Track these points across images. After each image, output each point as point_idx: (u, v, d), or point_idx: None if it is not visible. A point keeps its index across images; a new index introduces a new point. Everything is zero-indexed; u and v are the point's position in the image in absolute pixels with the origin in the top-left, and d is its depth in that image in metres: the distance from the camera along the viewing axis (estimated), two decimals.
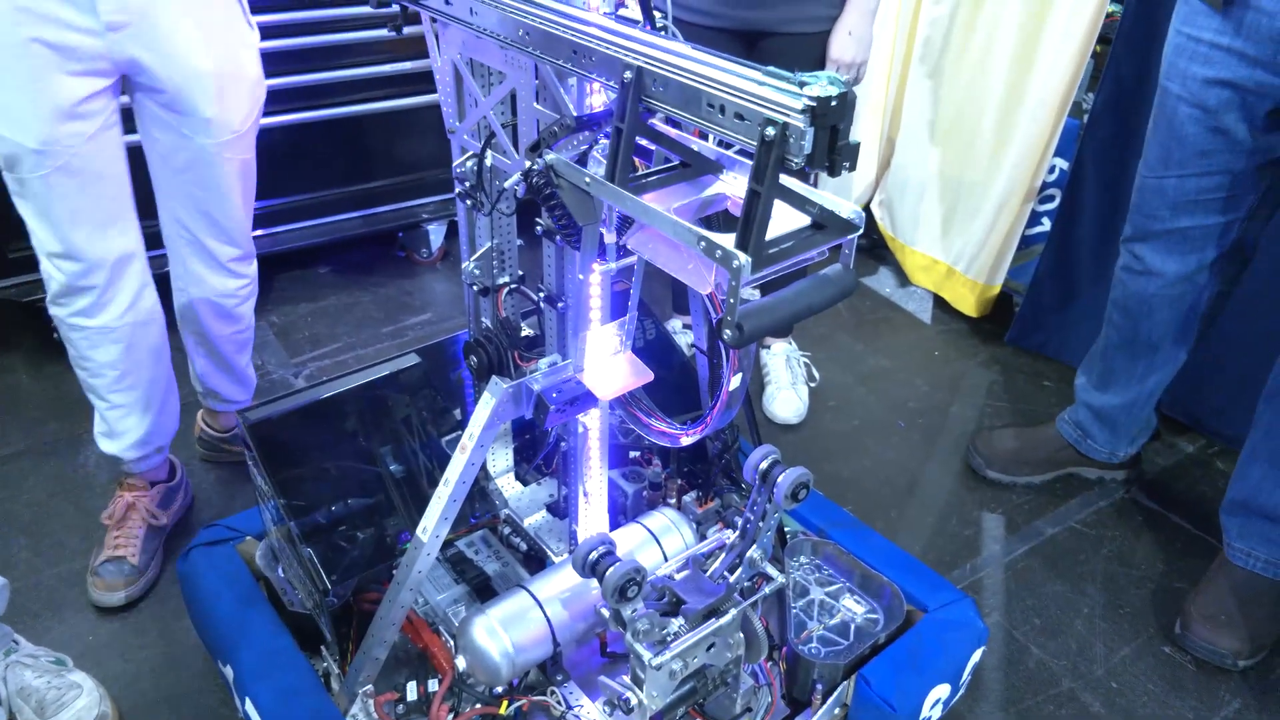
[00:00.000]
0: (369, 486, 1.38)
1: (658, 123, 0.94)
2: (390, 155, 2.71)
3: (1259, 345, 1.95)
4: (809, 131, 0.71)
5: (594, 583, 1.07)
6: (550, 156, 0.94)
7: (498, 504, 1.52)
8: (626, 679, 1.10)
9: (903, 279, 2.84)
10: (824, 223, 0.84)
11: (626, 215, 0.98)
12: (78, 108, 1.42)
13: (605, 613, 1.09)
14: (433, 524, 1.18)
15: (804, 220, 0.84)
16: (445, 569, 1.47)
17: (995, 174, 2.42)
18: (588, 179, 0.91)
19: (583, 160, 1.00)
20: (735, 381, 1.09)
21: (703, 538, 1.37)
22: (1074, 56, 2.17)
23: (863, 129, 2.77)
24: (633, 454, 1.57)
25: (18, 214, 1.51)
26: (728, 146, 0.95)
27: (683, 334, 2.28)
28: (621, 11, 1.01)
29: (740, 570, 1.16)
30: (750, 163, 0.75)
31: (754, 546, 1.16)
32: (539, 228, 1.10)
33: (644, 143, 0.96)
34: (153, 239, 1.67)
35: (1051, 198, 2.42)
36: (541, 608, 1.22)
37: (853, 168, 0.74)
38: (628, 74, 0.84)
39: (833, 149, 0.72)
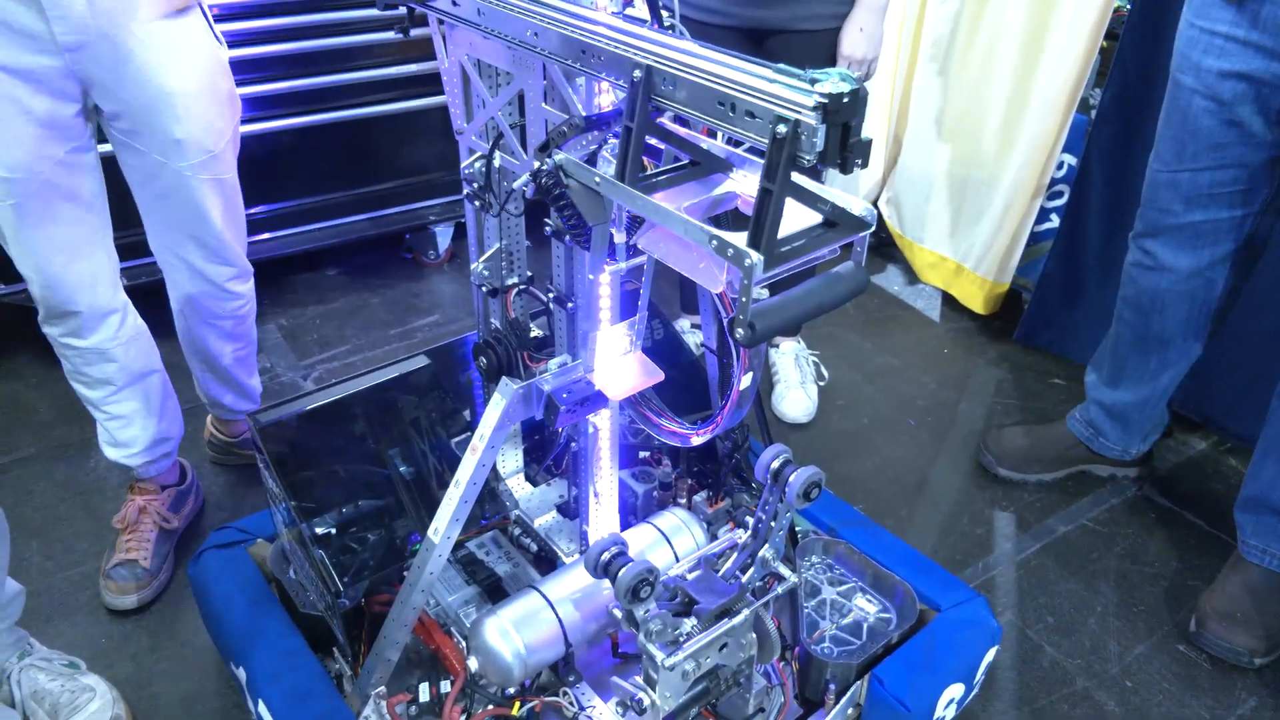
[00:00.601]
0: (379, 488, 1.38)
1: (667, 121, 0.94)
2: (397, 158, 2.71)
3: (1270, 341, 1.94)
4: (821, 129, 0.71)
5: (606, 583, 1.07)
6: (559, 156, 0.94)
7: (508, 505, 1.52)
8: (639, 679, 1.10)
9: (911, 277, 2.83)
10: (836, 220, 0.83)
11: (636, 215, 0.97)
12: (45, 132, 1.39)
13: (618, 613, 1.09)
14: (443, 525, 1.17)
15: (815, 218, 0.84)
16: (456, 570, 1.47)
17: (1003, 171, 2.41)
18: (597, 179, 0.91)
19: (592, 160, 1.00)
20: (745, 381, 1.08)
21: (714, 538, 1.37)
22: (1081, 52, 2.16)
23: (870, 127, 2.75)
24: (643, 454, 1.57)
25: None
26: (737, 145, 0.94)
27: (691, 334, 2.28)
28: (628, 11, 1.01)
29: (752, 570, 1.15)
30: (760, 161, 0.75)
31: (766, 546, 1.15)
32: (548, 228, 1.10)
33: (653, 142, 0.96)
34: (144, 245, 1.66)
35: (1060, 194, 2.41)
36: (553, 608, 1.22)
37: (865, 164, 0.73)
38: (637, 73, 0.84)
39: (845, 146, 0.72)
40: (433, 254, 2.87)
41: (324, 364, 2.42)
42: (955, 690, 1.35)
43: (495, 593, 1.43)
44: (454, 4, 1.06)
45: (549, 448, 1.53)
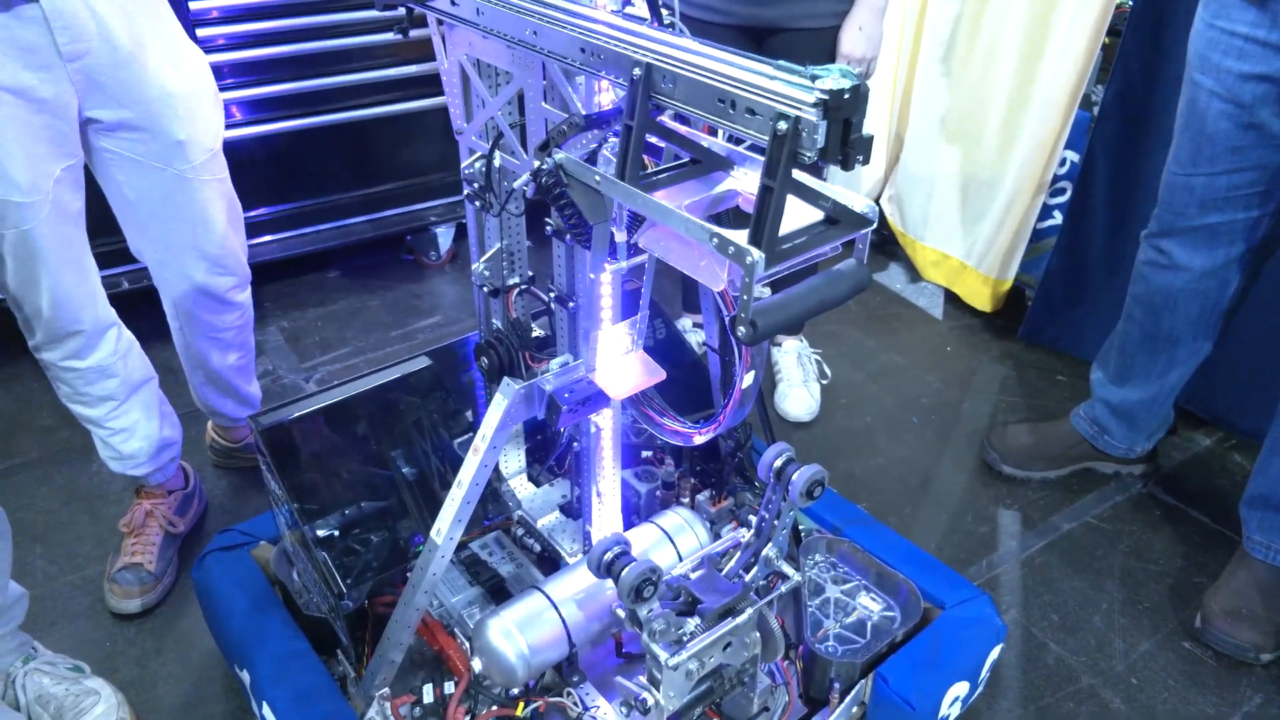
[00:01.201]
0: (382, 490, 1.37)
1: (667, 119, 0.93)
2: (397, 159, 2.72)
3: (1278, 338, 1.94)
4: (822, 125, 0.70)
5: (609, 583, 1.06)
6: (559, 155, 0.94)
7: (511, 506, 1.51)
8: (643, 679, 1.10)
9: (913, 274, 2.83)
10: (837, 217, 0.83)
11: (637, 213, 0.97)
12: (48, 150, 1.37)
13: (621, 613, 1.08)
14: (446, 526, 1.17)
15: (817, 215, 0.83)
16: (459, 571, 1.47)
17: (1005, 168, 2.41)
18: (598, 177, 0.91)
19: (592, 159, 0.99)
20: (748, 379, 1.08)
21: (717, 536, 1.37)
22: (1083, 49, 2.16)
23: (871, 125, 2.75)
24: (645, 453, 1.57)
25: None
26: (738, 142, 0.94)
27: (693, 333, 2.27)
28: (628, 9, 1.01)
29: (756, 569, 1.15)
30: (761, 158, 0.74)
31: (769, 545, 1.15)
32: (549, 228, 1.10)
33: (654, 140, 0.96)
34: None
35: (1063, 191, 2.40)
36: (556, 609, 1.22)
37: (866, 161, 0.73)
38: (637, 71, 0.83)
39: (846, 142, 0.72)
40: (434, 255, 2.87)
41: (325, 366, 2.42)
42: (960, 688, 1.35)
43: (499, 593, 1.42)
44: (453, 3, 1.06)
45: (551, 448, 1.53)
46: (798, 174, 0.78)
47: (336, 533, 1.32)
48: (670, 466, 1.55)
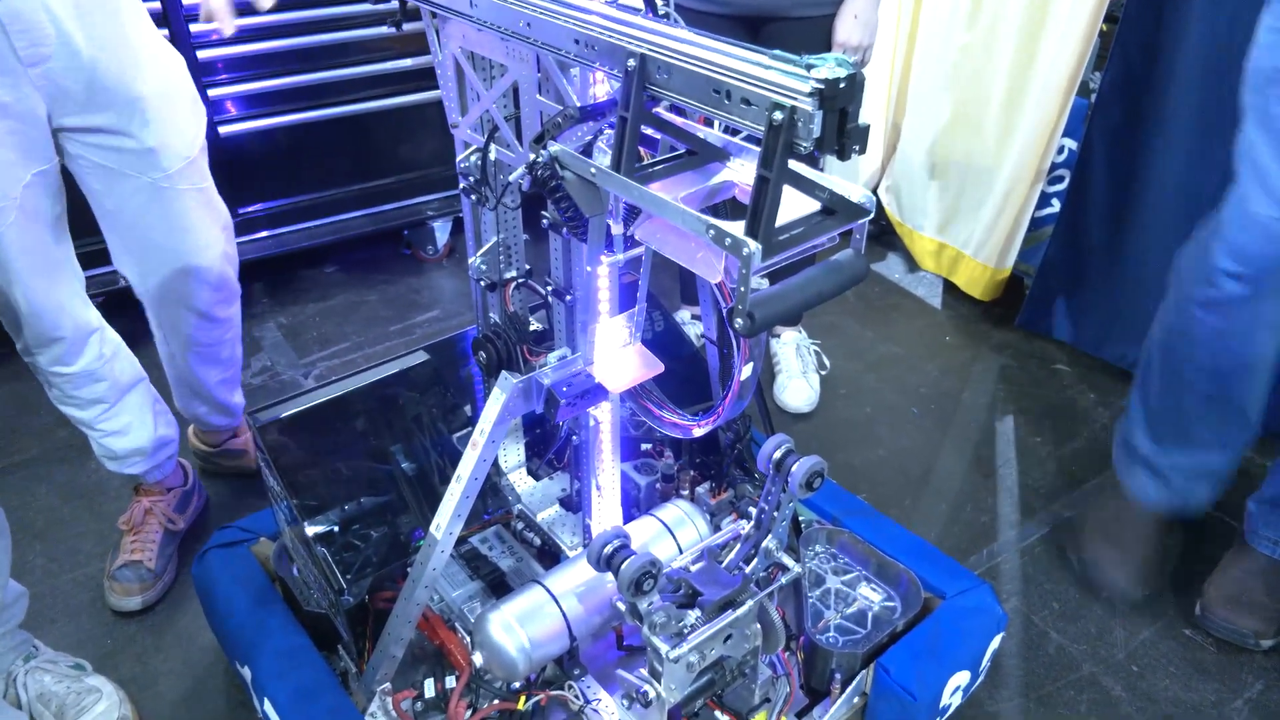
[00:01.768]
0: (381, 485, 1.37)
1: (662, 110, 0.93)
2: (394, 153, 2.71)
3: None
4: (818, 115, 0.70)
5: (609, 576, 1.06)
6: (555, 148, 0.93)
7: (510, 500, 1.51)
8: (644, 672, 1.10)
9: (911, 264, 2.83)
10: (834, 208, 0.83)
11: (633, 206, 0.97)
12: (14, 156, 1.34)
13: (621, 606, 1.08)
14: (446, 521, 1.17)
15: (814, 205, 0.83)
16: (460, 566, 1.47)
17: (1003, 156, 2.40)
18: (593, 170, 0.90)
19: (587, 151, 0.99)
20: (746, 371, 1.08)
21: (717, 529, 1.36)
22: (1081, 35, 2.15)
23: (868, 114, 2.74)
24: (645, 446, 1.57)
25: None
26: (734, 133, 0.93)
27: (691, 325, 2.27)
28: (621, 0, 1.00)
29: (756, 561, 1.15)
30: (758, 149, 0.74)
31: (769, 537, 1.15)
32: (545, 221, 1.09)
33: (649, 132, 0.95)
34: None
35: (1061, 179, 2.40)
36: (557, 602, 1.22)
37: (863, 151, 0.73)
38: (631, 62, 0.83)
39: (842, 132, 0.71)
40: (431, 249, 2.87)
41: (324, 361, 2.42)
42: (961, 678, 1.35)
43: (499, 587, 1.43)
44: None
45: (550, 441, 1.53)
46: (794, 164, 0.77)
47: (336, 529, 1.32)
48: (670, 459, 1.55)
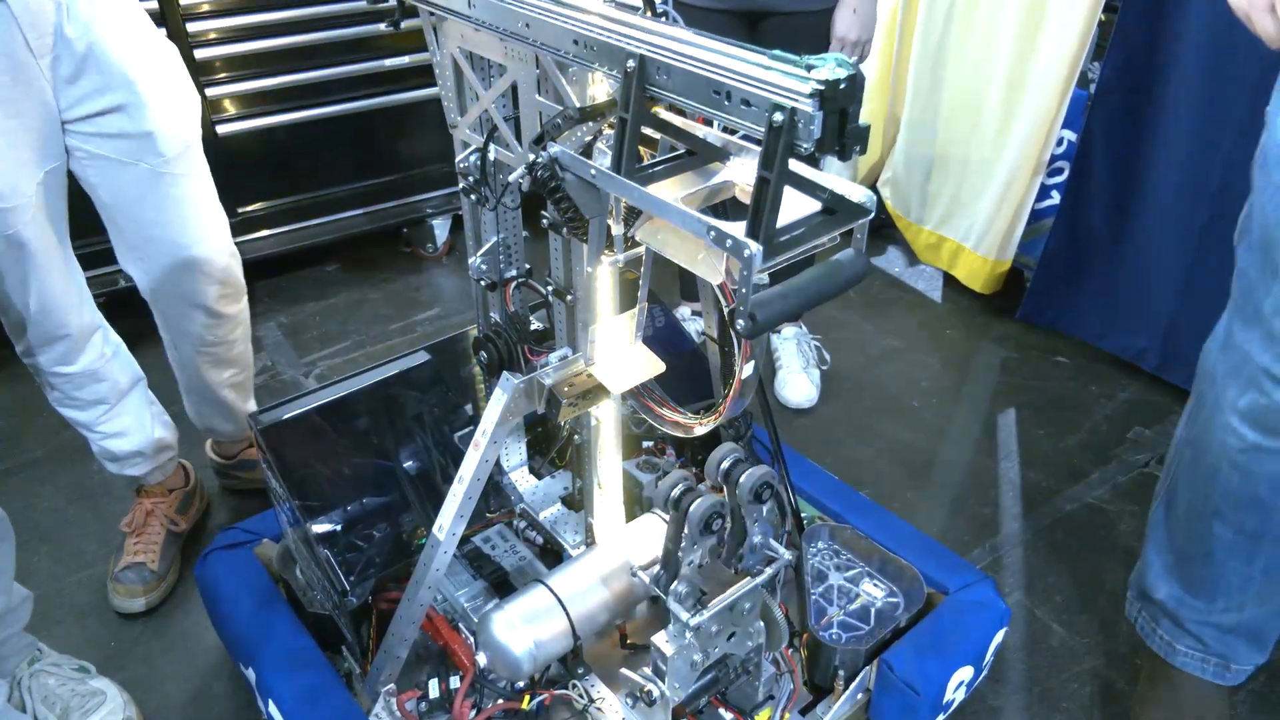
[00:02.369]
0: (383, 485, 1.37)
1: (662, 111, 0.93)
2: (393, 150, 2.71)
3: None
4: (818, 116, 0.69)
5: (612, 573, 1.06)
6: (554, 149, 0.93)
7: (512, 499, 1.51)
8: (648, 670, 1.10)
9: (911, 258, 2.82)
10: (835, 207, 0.82)
11: (634, 206, 0.96)
12: (29, 155, 1.35)
13: (645, 577, 1.09)
14: (448, 521, 1.17)
15: (814, 205, 0.83)
16: (463, 565, 1.47)
17: (1002, 148, 2.40)
18: (593, 171, 0.90)
19: (587, 151, 0.99)
20: (748, 369, 1.07)
21: None
22: (1080, 26, 2.14)
23: (867, 107, 2.74)
24: (646, 444, 1.57)
25: None
26: (735, 133, 0.93)
27: (691, 321, 2.27)
28: None
29: (748, 558, 1.14)
30: (757, 148, 0.74)
31: (750, 536, 1.13)
32: (545, 220, 1.09)
33: (649, 132, 0.95)
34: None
35: (1060, 170, 2.39)
36: (560, 601, 1.22)
37: (863, 151, 0.72)
38: (630, 63, 0.82)
39: (842, 133, 0.71)
40: (431, 247, 2.86)
41: (325, 360, 2.42)
42: (965, 673, 1.35)
43: (502, 587, 1.43)
44: None
45: (552, 441, 1.53)
46: (794, 164, 0.77)
47: (339, 529, 1.32)
48: (671, 457, 1.55)
